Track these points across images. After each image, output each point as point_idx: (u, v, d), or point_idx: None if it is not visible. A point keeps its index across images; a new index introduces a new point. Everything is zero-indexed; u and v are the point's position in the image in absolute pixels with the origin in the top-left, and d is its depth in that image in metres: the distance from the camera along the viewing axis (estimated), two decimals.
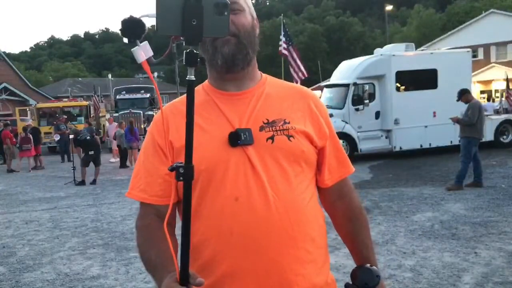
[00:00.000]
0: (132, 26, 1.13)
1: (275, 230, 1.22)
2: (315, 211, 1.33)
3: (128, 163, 14.84)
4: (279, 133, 1.28)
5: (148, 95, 24.93)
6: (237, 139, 1.25)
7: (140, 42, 1.13)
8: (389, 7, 46.29)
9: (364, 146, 12.85)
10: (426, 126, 12.95)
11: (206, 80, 1.40)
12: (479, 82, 31.04)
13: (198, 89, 1.38)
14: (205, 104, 1.33)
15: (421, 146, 13.15)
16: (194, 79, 1.03)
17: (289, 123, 1.31)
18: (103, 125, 25.79)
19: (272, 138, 1.27)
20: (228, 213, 1.22)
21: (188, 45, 1.01)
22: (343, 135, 12.22)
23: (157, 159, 1.32)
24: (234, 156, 1.24)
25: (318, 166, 1.39)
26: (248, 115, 1.30)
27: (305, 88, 1.45)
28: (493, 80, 31.19)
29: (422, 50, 16.39)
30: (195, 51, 1.02)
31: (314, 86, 25.99)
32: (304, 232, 1.27)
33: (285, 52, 15.14)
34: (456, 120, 8.59)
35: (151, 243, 1.28)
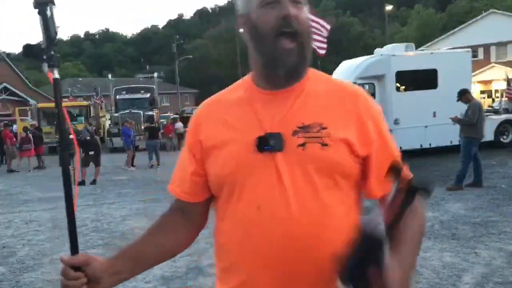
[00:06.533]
0: (32, 52, 1.23)
1: (296, 245, 1.14)
2: (347, 228, 1.16)
3: (124, 165, 14.90)
4: (312, 140, 1.16)
5: (148, 95, 24.94)
6: (265, 144, 1.16)
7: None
8: (389, 7, 46.25)
9: None
10: (426, 126, 12.95)
11: (250, 73, 1.30)
12: (479, 82, 31.07)
13: (239, 84, 1.32)
14: (239, 102, 1.25)
15: (421, 146, 13.15)
16: (59, 77, 1.14)
17: (326, 128, 1.17)
18: (103, 125, 25.81)
19: (303, 145, 1.16)
20: (248, 221, 1.17)
21: None
22: None
23: (186, 157, 1.32)
24: (260, 163, 1.16)
25: (363, 176, 1.23)
26: (282, 117, 1.19)
27: (353, 85, 1.30)
28: (493, 80, 31.21)
29: (422, 50, 16.39)
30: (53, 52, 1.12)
31: None
32: (330, 252, 1.14)
33: None
34: (456, 120, 8.59)
35: (148, 229, 1.34)
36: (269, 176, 1.15)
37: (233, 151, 1.19)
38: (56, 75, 1.22)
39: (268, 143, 1.16)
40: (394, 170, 1.06)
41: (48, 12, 1.18)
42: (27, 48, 1.24)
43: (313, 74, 1.27)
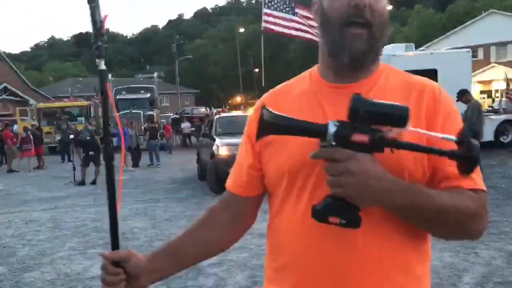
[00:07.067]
0: (85, 40, 1.23)
1: (356, 253, 1.05)
2: (414, 235, 1.08)
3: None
4: None
5: (148, 95, 24.96)
6: None
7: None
8: (389, 7, 46.27)
9: None
10: None
11: (316, 65, 1.23)
12: (479, 82, 31.07)
13: (305, 75, 1.24)
14: (305, 95, 1.18)
15: None
16: (106, 69, 1.17)
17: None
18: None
19: None
20: (307, 220, 1.06)
21: None
22: None
23: (244, 149, 1.26)
24: (322, 160, 1.03)
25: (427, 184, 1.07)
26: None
27: (431, 81, 1.17)
28: (493, 80, 31.21)
29: (422, 50, 16.39)
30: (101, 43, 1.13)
31: None
32: (395, 259, 1.07)
33: (289, 24, 10.59)
34: None
35: (192, 224, 1.31)
36: None
37: (295, 146, 1.11)
38: (103, 67, 1.20)
39: None
40: (460, 134, 0.96)
41: (94, 3, 1.18)
42: (80, 37, 1.25)
43: (387, 69, 1.18)
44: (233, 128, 9.98)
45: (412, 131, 0.95)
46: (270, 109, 0.99)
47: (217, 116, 12.90)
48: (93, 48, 1.17)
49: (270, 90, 1.29)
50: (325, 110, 1.11)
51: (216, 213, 1.30)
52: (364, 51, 1.07)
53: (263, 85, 15.81)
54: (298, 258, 1.12)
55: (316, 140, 1.02)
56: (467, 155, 0.93)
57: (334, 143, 0.95)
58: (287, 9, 10.61)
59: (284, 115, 0.99)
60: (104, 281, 1.15)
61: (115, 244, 1.20)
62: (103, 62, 1.19)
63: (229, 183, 1.31)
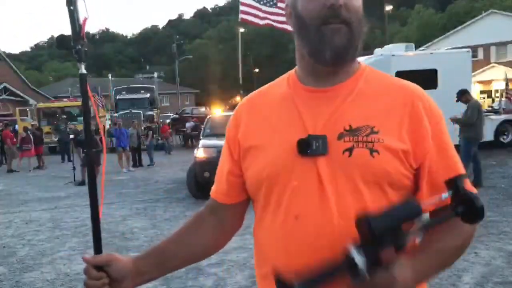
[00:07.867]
0: (64, 43, 1.24)
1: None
2: None
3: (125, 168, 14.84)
4: (361, 145, 1.03)
5: (148, 95, 24.96)
6: (307, 147, 1.04)
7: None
8: (389, 7, 46.27)
9: None
10: None
11: (294, 69, 1.21)
12: (479, 82, 31.08)
13: (283, 78, 1.22)
14: (283, 100, 1.15)
15: None
16: (86, 73, 1.16)
17: (377, 132, 1.04)
18: (103, 125, 25.82)
19: (350, 150, 1.04)
20: (285, 232, 1.08)
21: None
22: None
23: (224, 155, 1.26)
24: (301, 167, 1.03)
25: (416, 188, 1.09)
26: (327, 118, 1.07)
27: (412, 85, 1.16)
28: (493, 80, 31.21)
29: (422, 50, 16.38)
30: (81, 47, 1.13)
31: None
32: None
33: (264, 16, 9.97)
34: (455, 120, 8.59)
35: (179, 228, 1.31)
36: (310, 182, 1.05)
37: (272, 153, 1.10)
38: (83, 70, 1.18)
39: (310, 146, 1.04)
40: (451, 184, 0.95)
41: (72, 6, 1.16)
42: (60, 39, 1.23)
43: (369, 71, 1.16)
44: (223, 129, 9.78)
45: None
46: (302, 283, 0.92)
47: (208, 116, 12.73)
48: (73, 53, 1.16)
49: (250, 94, 1.28)
50: (301, 113, 1.10)
51: (202, 218, 1.29)
52: (345, 46, 1.05)
53: (240, 82, 15.58)
54: (279, 268, 1.08)
55: (294, 145, 1.04)
56: (470, 210, 0.92)
57: (367, 274, 0.90)
58: (265, 0, 10.12)
59: (313, 281, 0.93)
60: (86, 285, 1.15)
61: (97, 248, 1.22)
62: (83, 66, 1.19)
63: (212, 190, 1.31)
